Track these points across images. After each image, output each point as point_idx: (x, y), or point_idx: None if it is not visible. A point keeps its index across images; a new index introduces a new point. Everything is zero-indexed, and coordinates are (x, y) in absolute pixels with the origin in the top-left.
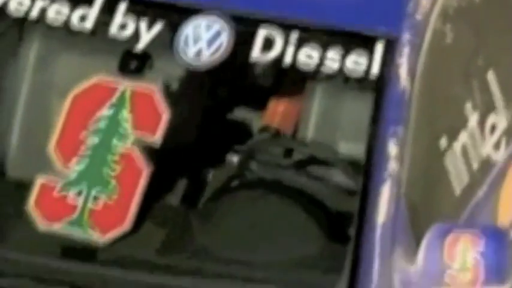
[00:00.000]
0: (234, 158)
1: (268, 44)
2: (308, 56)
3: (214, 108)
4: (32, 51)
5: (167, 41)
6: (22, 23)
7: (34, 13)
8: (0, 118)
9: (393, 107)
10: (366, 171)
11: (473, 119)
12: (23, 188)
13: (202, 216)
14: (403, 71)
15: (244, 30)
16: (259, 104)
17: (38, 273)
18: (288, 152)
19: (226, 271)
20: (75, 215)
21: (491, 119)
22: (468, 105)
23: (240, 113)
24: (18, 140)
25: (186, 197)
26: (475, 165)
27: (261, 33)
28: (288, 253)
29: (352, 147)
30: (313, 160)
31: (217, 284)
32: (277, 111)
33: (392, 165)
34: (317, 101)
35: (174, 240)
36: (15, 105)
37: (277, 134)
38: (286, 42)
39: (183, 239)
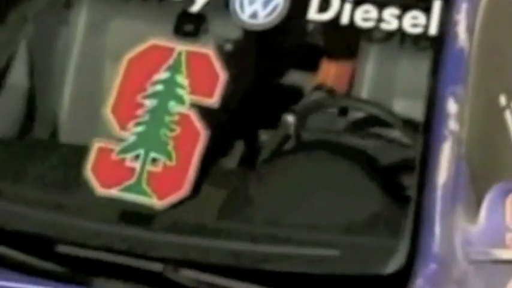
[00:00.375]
0: (289, 118)
1: (324, 4)
2: (365, 16)
3: (269, 70)
4: (81, 16)
5: (222, 2)
6: None
7: None
8: (51, 83)
9: (452, 66)
10: (425, 130)
11: None
12: (76, 152)
13: (259, 179)
14: (461, 28)
15: None
16: (313, 65)
17: (95, 239)
18: (343, 112)
19: (286, 235)
20: (133, 180)
21: None
22: None
23: (295, 75)
24: (69, 105)
25: (243, 160)
26: None
27: None
28: (348, 215)
29: (408, 108)
30: (369, 119)
31: (277, 248)
32: (330, 71)
33: (452, 125)
34: (372, 61)
35: (232, 204)
36: (66, 70)
37: (331, 92)
38: (343, 2)
39: (241, 202)
